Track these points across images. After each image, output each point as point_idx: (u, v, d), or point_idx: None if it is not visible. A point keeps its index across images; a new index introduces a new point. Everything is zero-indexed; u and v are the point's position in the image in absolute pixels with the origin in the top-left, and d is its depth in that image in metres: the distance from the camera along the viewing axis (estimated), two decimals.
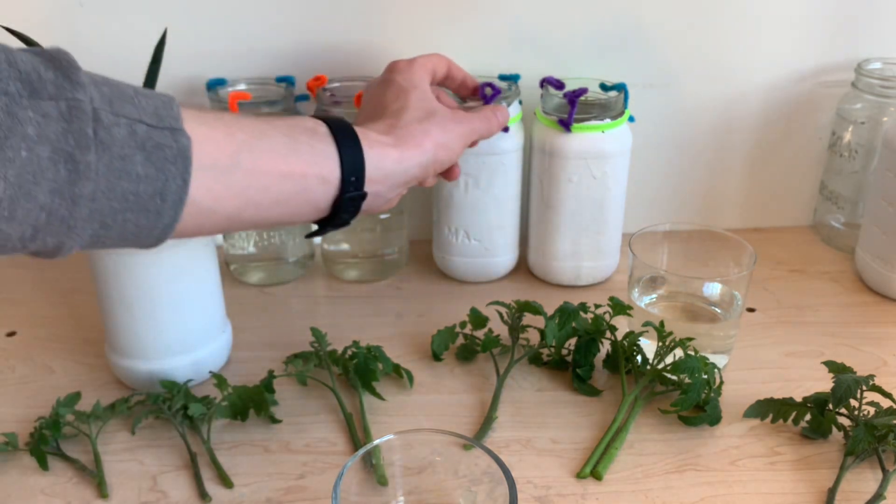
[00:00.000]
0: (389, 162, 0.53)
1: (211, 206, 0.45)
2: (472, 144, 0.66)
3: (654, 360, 0.63)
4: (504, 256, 0.81)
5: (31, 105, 0.37)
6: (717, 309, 0.68)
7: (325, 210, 0.51)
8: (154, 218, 0.42)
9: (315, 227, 0.55)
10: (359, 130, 0.52)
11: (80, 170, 0.38)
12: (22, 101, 0.37)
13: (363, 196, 0.52)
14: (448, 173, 0.64)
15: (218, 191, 0.45)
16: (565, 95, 0.73)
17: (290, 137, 0.49)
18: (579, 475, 0.57)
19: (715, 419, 0.60)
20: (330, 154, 0.50)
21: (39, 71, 0.38)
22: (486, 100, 0.67)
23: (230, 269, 0.83)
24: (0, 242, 0.39)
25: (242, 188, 0.46)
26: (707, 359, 0.60)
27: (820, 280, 0.82)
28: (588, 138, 0.73)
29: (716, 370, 0.61)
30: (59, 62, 0.39)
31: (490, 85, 0.70)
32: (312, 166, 0.49)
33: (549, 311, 0.67)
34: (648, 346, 0.65)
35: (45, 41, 0.58)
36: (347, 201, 0.51)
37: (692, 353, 0.61)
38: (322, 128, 0.51)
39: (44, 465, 0.58)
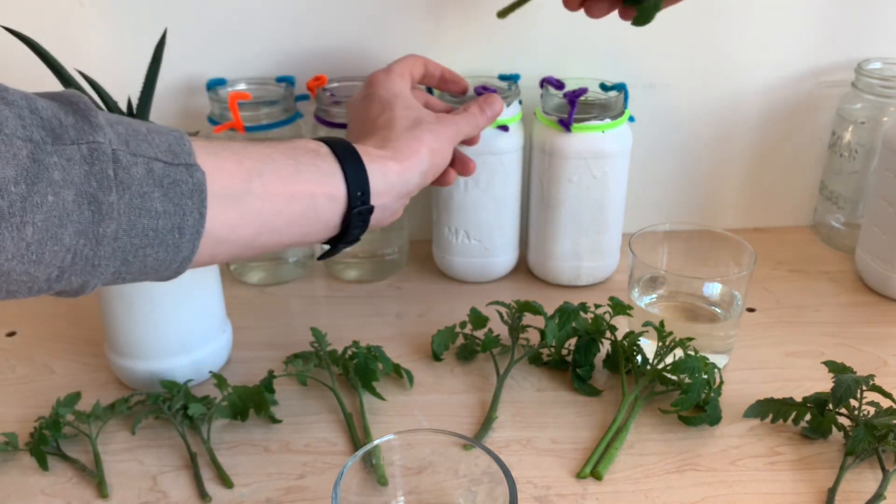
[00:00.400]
0: (392, 175, 0.54)
1: (226, 234, 0.46)
2: (471, 142, 0.66)
3: (654, 360, 0.63)
4: (504, 256, 0.81)
5: (55, 151, 0.38)
6: (717, 309, 0.68)
7: (335, 228, 0.52)
8: (173, 252, 0.43)
9: (326, 248, 0.56)
10: (358, 147, 0.53)
11: (103, 210, 0.40)
12: (46, 147, 0.38)
13: (371, 210, 0.52)
14: (464, 168, 0.64)
15: (232, 219, 0.46)
16: (565, 95, 0.73)
17: (295, 160, 0.49)
18: (579, 475, 0.57)
19: (715, 419, 0.60)
20: (334, 172, 0.51)
21: (60, 117, 0.39)
22: None
23: (230, 269, 0.83)
24: (28, 285, 0.40)
25: (255, 214, 0.47)
26: (707, 359, 0.60)
27: (820, 280, 0.82)
28: (588, 138, 0.73)
29: (716, 370, 0.61)
30: (77, 106, 0.41)
31: (485, 87, 0.70)
32: (319, 185, 0.50)
33: (549, 311, 0.67)
34: (648, 346, 0.65)
35: (45, 41, 0.58)
36: (356, 216, 0.52)
37: (692, 353, 0.61)
38: (323, 148, 0.52)
39: (44, 465, 0.58)
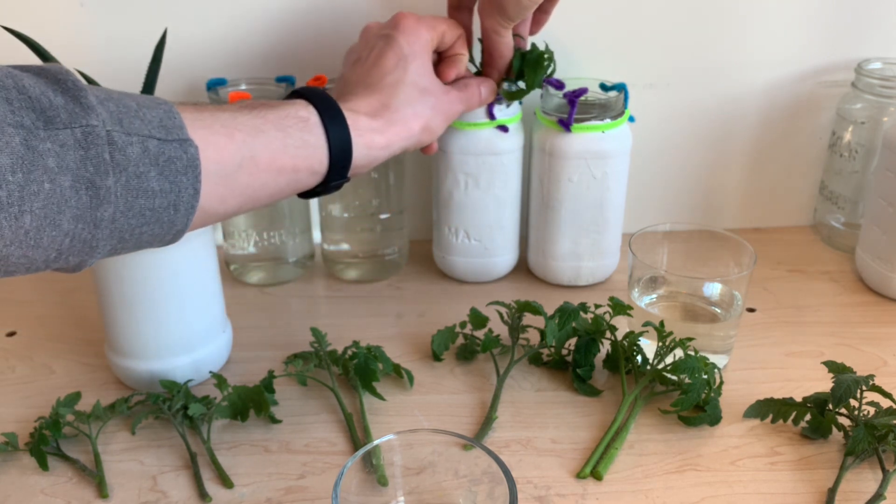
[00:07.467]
0: (376, 149, 0.55)
1: (216, 207, 0.47)
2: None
3: (654, 360, 0.63)
4: (504, 256, 0.81)
5: (48, 136, 0.38)
6: (717, 309, 0.68)
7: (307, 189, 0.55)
8: (168, 227, 0.44)
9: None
10: (349, 115, 0.53)
11: (100, 195, 0.40)
12: (39, 132, 0.38)
13: (347, 179, 0.55)
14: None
15: (222, 193, 0.47)
16: (565, 95, 0.73)
17: (283, 131, 0.50)
18: (579, 475, 0.57)
19: (715, 419, 0.60)
20: (320, 146, 0.52)
21: (49, 96, 0.39)
22: None
23: (230, 269, 0.83)
24: (25, 266, 0.40)
25: (244, 188, 0.48)
26: (707, 359, 0.60)
27: (820, 280, 0.82)
28: (588, 138, 0.73)
29: (716, 370, 0.61)
30: (66, 84, 0.40)
31: None
32: (305, 160, 0.51)
33: (549, 311, 0.67)
34: (648, 346, 0.65)
35: (46, 41, 0.58)
36: (331, 187, 0.54)
37: (692, 353, 0.61)
38: (314, 117, 0.52)
39: (44, 465, 0.58)
